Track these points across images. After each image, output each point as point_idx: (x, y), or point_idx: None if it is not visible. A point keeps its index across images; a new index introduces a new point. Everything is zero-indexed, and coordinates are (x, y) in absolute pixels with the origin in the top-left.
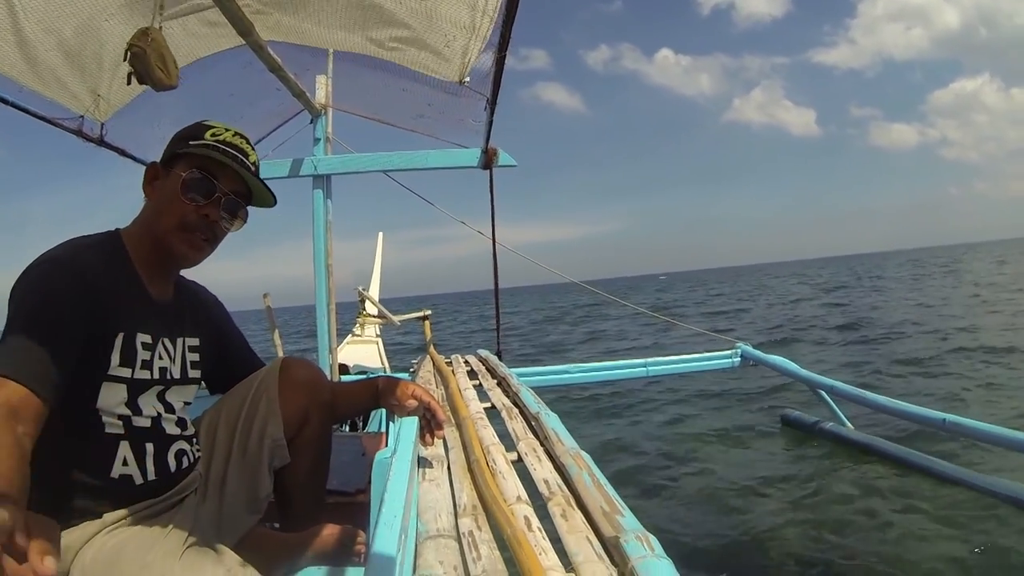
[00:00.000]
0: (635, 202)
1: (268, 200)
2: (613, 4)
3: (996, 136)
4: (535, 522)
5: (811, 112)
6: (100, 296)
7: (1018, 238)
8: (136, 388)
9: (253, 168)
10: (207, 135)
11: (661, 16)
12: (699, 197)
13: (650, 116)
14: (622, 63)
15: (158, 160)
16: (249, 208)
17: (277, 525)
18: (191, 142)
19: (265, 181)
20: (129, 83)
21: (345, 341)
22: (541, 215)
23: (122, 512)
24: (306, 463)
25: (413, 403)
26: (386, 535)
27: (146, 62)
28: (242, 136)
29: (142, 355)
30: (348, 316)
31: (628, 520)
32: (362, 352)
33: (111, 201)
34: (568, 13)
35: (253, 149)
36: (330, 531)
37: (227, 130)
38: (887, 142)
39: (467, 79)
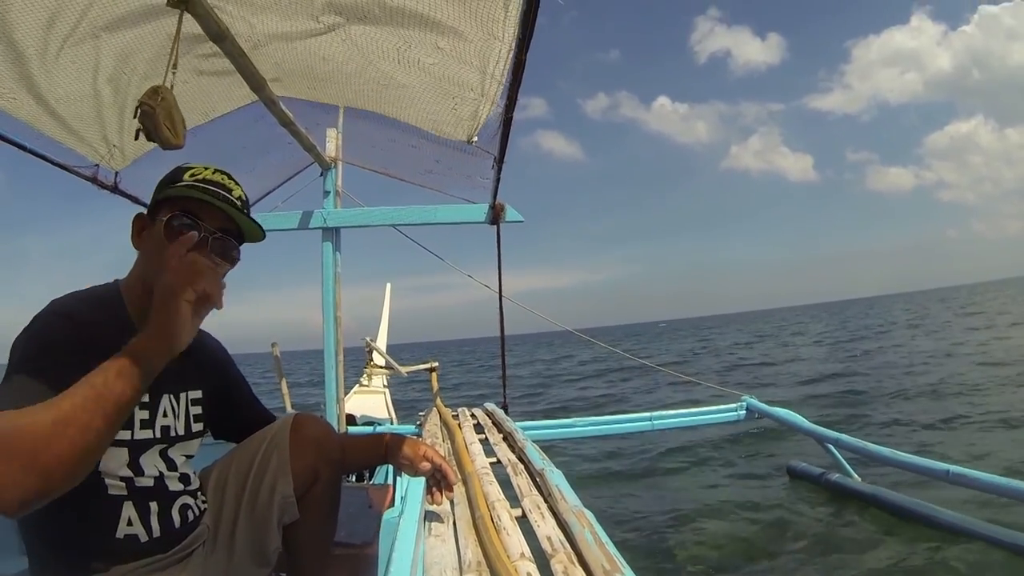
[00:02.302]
0: (634, 249)
1: (257, 233)
2: (610, 53)
3: (992, 176)
4: None
5: (808, 158)
6: (99, 351)
7: (1018, 277)
8: (137, 449)
9: (238, 203)
10: (186, 176)
11: (658, 64)
12: (698, 244)
13: (648, 164)
14: (620, 111)
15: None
16: (246, 246)
17: (283, 575)
18: (170, 186)
19: (262, 225)
20: (137, 138)
21: (352, 391)
22: (539, 262)
23: (129, 567)
24: (315, 519)
25: (427, 466)
26: None
27: (155, 121)
28: (223, 172)
29: (140, 415)
30: (352, 359)
31: None
32: (369, 402)
33: (111, 239)
34: (566, 62)
35: (237, 184)
36: None
37: (206, 168)
38: (884, 186)
39: (475, 139)
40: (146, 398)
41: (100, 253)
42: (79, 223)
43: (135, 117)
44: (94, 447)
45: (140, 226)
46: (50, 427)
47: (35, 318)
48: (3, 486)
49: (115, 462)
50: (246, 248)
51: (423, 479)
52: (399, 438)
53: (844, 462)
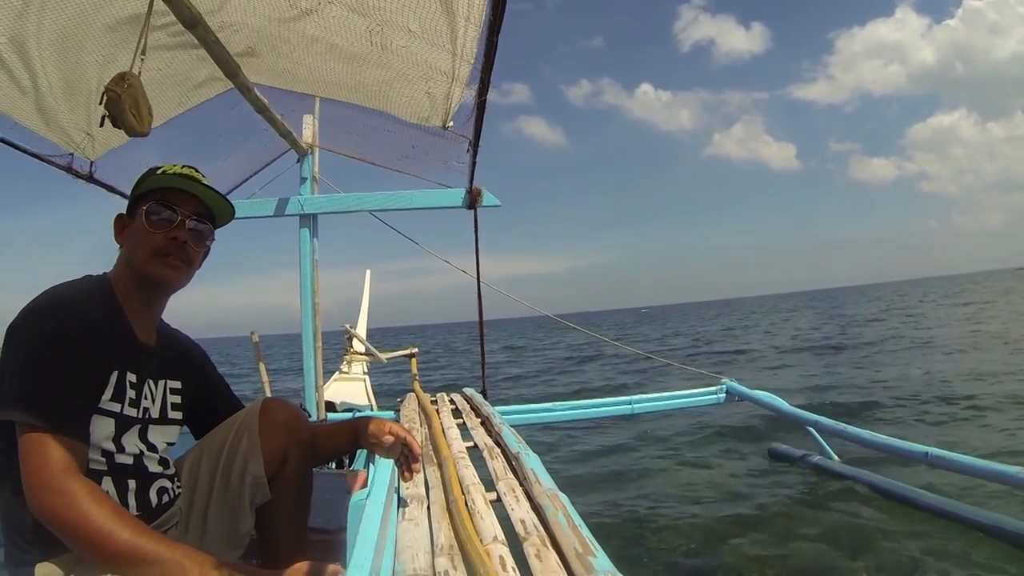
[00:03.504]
0: (617, 236)
1: (227, 212)
2: (594, 40)
3: (973, 169)
4: (509, 562)
5: (791, 147)
6: (101, 338)
7: (995, 270)
8: (122, 424)
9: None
10: (157, 173)
11: (642, 52)
12: (680, 231)
13: (631, 150)
14: (603, 98)
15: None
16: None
17: (259, 561)
18: (145, 182)
19: (239, 212)
20: (102, 125)
21: (332, 379)
22: (521, 248)
23: None
24: (287, 501)
25: (390, 439)
26: None
27: (119, 107)
28: (191, 167)
29: (129, 393)
30: (332, 344)
31: (600, 561)
32: (349, 389)
33: (90, 223)
34: (549, 49)
35: (204, 177)
36: (310, 568)
37: (175, 165)
38: (867, 176)
39: (450, 123)
40: (135, 378)
41: (78, 236)
42: (57, 207)
43: (101, 103)
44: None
45: (121, 225)
46: (96, 535)
47: (39, 310)
48: (37, 512)
49: (101, 432)
50: (230, 232)
51: (391, 461)
52: (368, 419)
53: (825, 444)
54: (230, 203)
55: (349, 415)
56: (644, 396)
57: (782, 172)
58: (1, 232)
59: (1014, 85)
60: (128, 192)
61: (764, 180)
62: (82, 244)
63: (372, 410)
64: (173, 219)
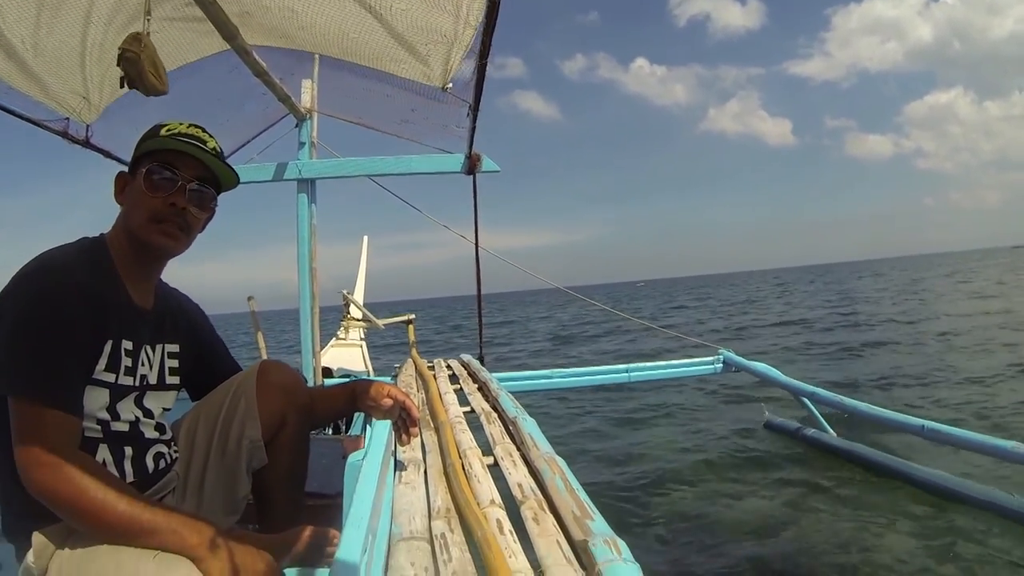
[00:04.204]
0: (612, 210)
1: (232, 179)
2: (589, 14)
3: (970, 147)
4: (507, 525)
5: (787, 123)
6: (95, 306)
7: (991, 248)
8: (117, 393)
9: (212, 153)
10: (162, 132)
11: (637, 26)
12: (676, 205)
13: (626, 125)
14: (598, 72)
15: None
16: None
17: (256, 526)
18: (147, 141)
19: (236, 173)
20: (122, 87)
21: (329, 344)
22: (518, 222)
23: None
24: (284, 465)
25: (388, 402)
26: (353, 536)
27: (139, 67)
28: (197, 126)
29: (125, 361)
30: (331, 318)
31: (598, 524)
32: (346, 355)
33: (85, 199)
34: (544, 23)
35: (211, 137)
36: (307, 532)
37: (181, 124)
38: (863, 152)
39: (449, 85)
40: (131, 346)
41: (74, 213)
42: (50, 184)
43: (118, 64)
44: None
45: (122, 183)
46: (95, 507)
47: (29, 276)
48: (35, 490)
49: (95, 403)
50: (226, 201)
51: (388, 423)
52: (366, 382)
53: (820, 417)
54: (233, 170)
55: (346, 380)
56: (641, 365)
57: (778, 148)
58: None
59: (1012, 64)
60: (124, 158)
61: (760, 155)
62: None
63: (369, 375)
64: (174, 183)
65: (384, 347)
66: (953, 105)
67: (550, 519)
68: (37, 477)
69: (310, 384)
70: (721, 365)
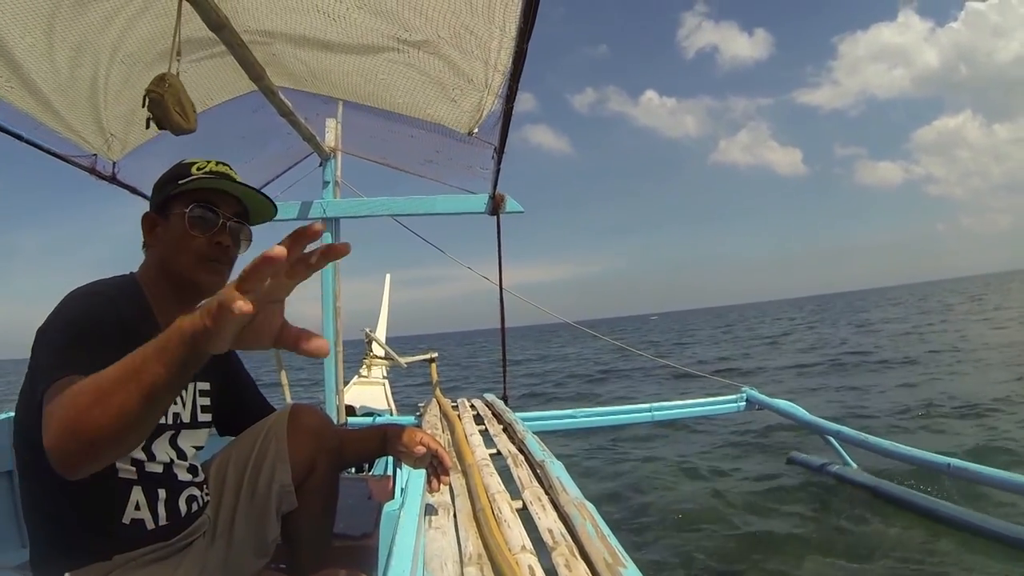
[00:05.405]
0: (625, 243)
1: (268, 211)
2: (598, 47)
3: (980, 171)
4: (539, 572)
5: (797, 152)
6: (133, 341)
7: (1008, 271)
8: (152, 433)
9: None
10: (193, 170)
11: (646, 59)
12: (689, 238)
13: (637, 158)
14: (608, 105)
15: (149, 210)
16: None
17: (283, 566)
18: (180, 181)
19: (274, 204)
20: (148, 127)
21: (352, 382)
22: (530, 256)
23: (132, 555)
24: (313, 508)
25: (421, 449)
26: None
27: (164, 107)
28: (224, 164)
29: None
30: (350, 352)
31: (631, 572)
32: (368, 394)
33: (102, 232)
34: (555, 57)
35: (236, 174)
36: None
37: (208, 161)
38: (873, 180)
39: (476, 130)
40: None
41: (91, 246)
42: (70, 217)
43: (144, 106)
44: (133, 423)
45: (151, 224)
46: (91, 397)
47: (70, 300)
48: (49, 448)
49: None
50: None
51: (423, 471)
52: (397, 427)
53: (845, 454)
54: (272, 201)
55: (369, 420)
56: (663, 404)
57: (789, 177)
58: (15, 243)
59: (1019, 86)
60: (150, 194)
61: (771, 185)
62: (94, 254)
63: (391, 414)
64: (215, 222)
65: (403, 385)
66: (962, 129)
67: (582, 566)
68: (53, 437)
69: (334, 422)
70: (744, 403)
